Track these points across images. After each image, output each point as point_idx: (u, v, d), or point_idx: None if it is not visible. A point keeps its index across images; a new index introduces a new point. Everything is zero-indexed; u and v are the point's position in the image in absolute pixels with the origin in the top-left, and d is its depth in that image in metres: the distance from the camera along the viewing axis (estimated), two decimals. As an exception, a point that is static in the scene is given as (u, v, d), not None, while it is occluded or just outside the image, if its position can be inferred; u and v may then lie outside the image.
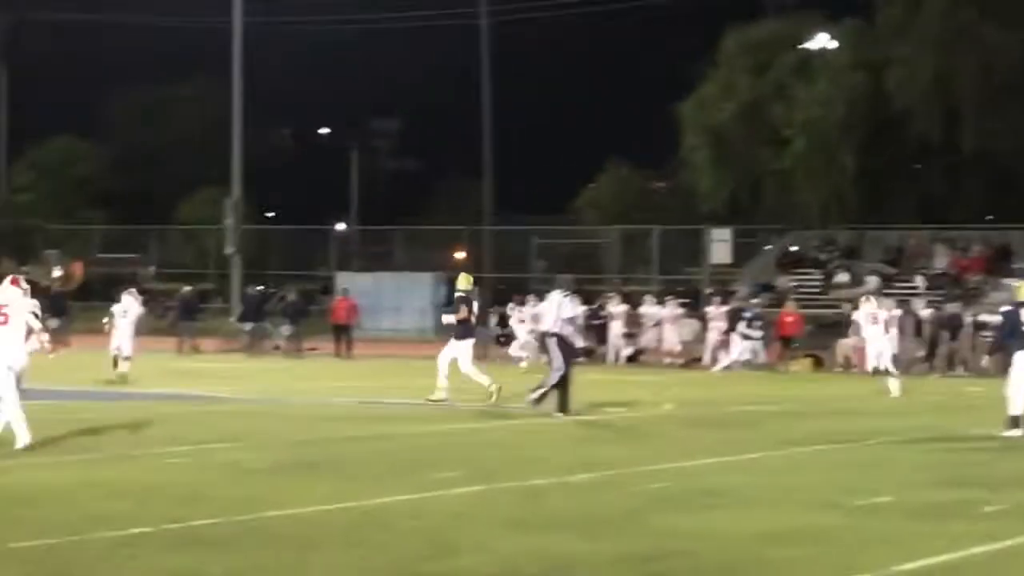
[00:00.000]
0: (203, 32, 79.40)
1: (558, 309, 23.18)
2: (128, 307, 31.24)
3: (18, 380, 17.15)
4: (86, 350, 45.08)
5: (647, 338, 43.31)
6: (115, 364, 30.83)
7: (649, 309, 43.99)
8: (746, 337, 39.92)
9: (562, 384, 22.70)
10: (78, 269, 78.13)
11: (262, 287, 49.37)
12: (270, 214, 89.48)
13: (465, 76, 76.71)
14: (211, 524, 11.43)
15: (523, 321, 41.19)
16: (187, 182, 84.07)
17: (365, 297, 50.34)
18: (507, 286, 65.23)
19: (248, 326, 45.61)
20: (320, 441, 18.12)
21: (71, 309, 50.29)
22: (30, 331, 17.95)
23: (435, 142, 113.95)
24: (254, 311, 46.02)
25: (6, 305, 17.85)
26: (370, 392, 27.72)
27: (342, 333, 44.91)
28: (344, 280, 55.39)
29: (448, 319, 25.63)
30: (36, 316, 18.15)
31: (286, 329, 45.01)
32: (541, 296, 30.41)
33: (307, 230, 73.78)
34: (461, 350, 25.00)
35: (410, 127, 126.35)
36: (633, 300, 46.14)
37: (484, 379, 24.83)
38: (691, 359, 41.82)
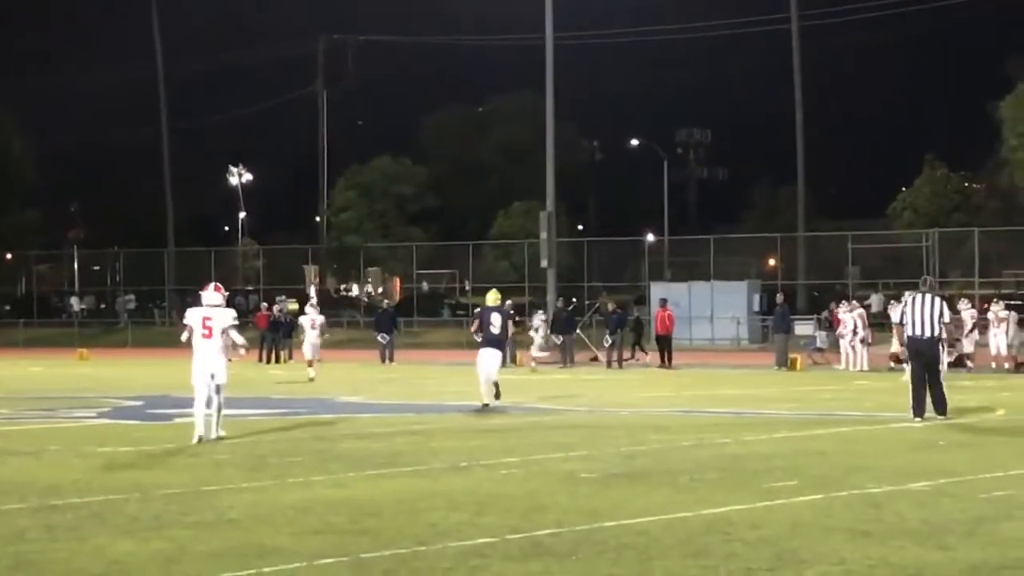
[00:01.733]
0: (513, 49, 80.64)
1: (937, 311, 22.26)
2: (313, 318, 33.15)
3: (219, 388, 19.58)
4: (408, 364, 46.34)
5: (968, 342, 42.17)
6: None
7: (967, 312, 42.85)
8: None
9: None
10: (397, 286, 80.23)
11: (573, 300, 49.83)
12: (580, 227, 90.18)
13: (775, 82, 76.20)
14: (552, 534, 11.52)
15: (536, 329, 44.30)
16: (501, 197, 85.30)
17: (678, 307, 50.32)
18: (821, 292, 64.48)
19: (559, 339, 46.06)
20: (650, 451, 18.16)
21: (398, 325, 51.52)
22: (232, 343, 19.95)
23: (745, 150, 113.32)
24: (564, 324, 46.51)
25: (210, 318, 19.65)
26: (690, 402, 27.71)
27: (663, 344, 44.93)
28: (659, 290, 55.42)
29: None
30: (235, 327, 19.99)
31: (607, 340, 45.31)
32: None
33: (619, 241, 74.06)
34: None
35: (720, 135, 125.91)
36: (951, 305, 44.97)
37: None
38: (1020, 364, 40.57)
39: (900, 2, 73.74)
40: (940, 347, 22.81)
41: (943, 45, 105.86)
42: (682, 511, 12.66)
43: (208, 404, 19.49)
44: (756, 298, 59.44)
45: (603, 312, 46.53)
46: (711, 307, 58.82)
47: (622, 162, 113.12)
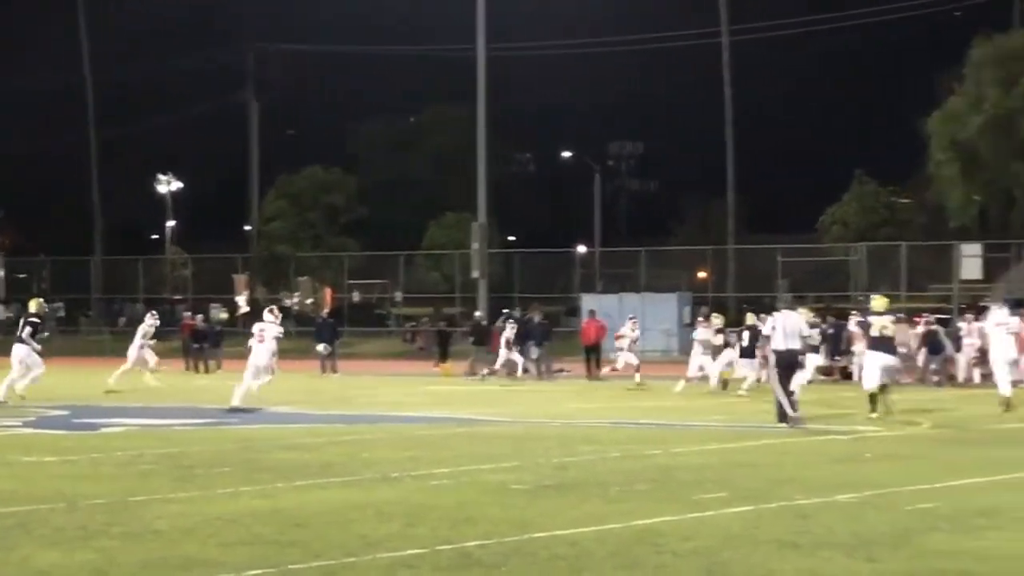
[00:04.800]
0: (446, 61, 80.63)
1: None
2: (266, 327, 31.13)
3: (260, 372, 28.22)
4: (340, 375, 46.16)
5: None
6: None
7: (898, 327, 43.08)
8: None
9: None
10: (328, 295, 79.93)
11: (507, 312, 49.68)
12: (511, 237, 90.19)
13: (707, 96, 76.53)
14: (481, 545, 11.52)
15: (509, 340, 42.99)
16: (433, 208, 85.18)
17: (609, 319, 50.35)
18: (750, 305, 64.80)
19: (536, 351, 45.84)
20: (580, 463, 18.17)
21: (338, 336, 51.39)
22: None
23: (677, 163, 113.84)
24: (540, 334, 46.20)
25: (263, 330, 28.40)
26: (620, 413, 27.76)
27: (591, 354, 45.04)
28: (589, 302, 55.50)
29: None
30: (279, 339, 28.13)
31: (534, 351, 45.20)
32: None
33: (550, 253, 74.12)
34: None
35: (652, 148, 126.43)
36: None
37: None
38: (947, 376, 40.88)
39: (831, 18, 74.32)
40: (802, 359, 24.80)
41: (873, 61, 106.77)
42: (613, 522, 12.67)
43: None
44: (687, 310, 59.61)
45: (531, 323, 46.44)
46: (642, 319, 58.90)
47: (554, 174, 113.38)
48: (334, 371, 46.82)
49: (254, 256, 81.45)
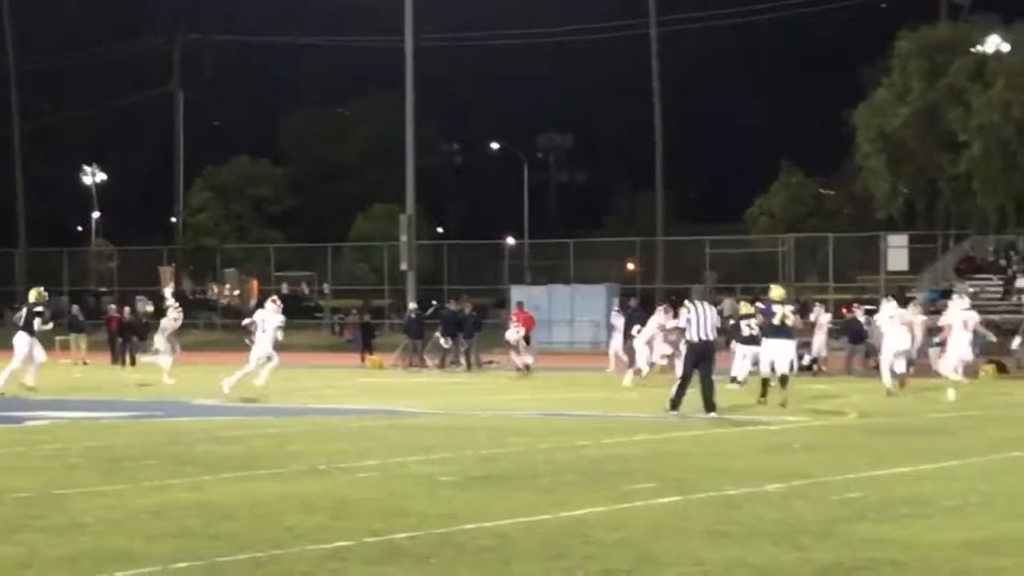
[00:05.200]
0: (375, 52, 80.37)
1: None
2: (266, 317, 30.88)
3: (270, 359, 29.64)
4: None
5: (819, 346, 42.70)
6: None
7: (821, 317, 43.42)
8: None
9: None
10: (255, 287, 79.56)
11: (450, 303, 49.72)
12: (440, 229, 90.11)
13: (635, 88, 76.70)
14: (410, 537, 11.47)
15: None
16: (361, 199, 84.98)
17: (538, 310, 50.45)
18: (679, 296, 65.03)
19: (449, 342, 45.92)
20: (509, 454, 18.16)
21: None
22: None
23: (606, 155, 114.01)
24: (454, 327, 46.26)
25: (264, 320, 29.76)
26: (549, 405, 27.78)
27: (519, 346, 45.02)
28: (518, 293, 55.54)
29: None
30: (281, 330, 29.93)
31: (464, 343, 45.24)
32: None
33: (479, 244, 74.10)
34: None
35: (581, 140, 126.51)
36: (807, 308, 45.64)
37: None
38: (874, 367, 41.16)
39: (759, 10, 74.65)
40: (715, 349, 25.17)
41: (801, 53, 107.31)
42: (541, 513, 12.66)
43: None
44: (616, 301, 59.77)
45: (461, 315, 46.46)
46: (571, 310, 59.09)
47: (483, 166, 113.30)
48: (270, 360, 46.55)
49: (180, 248, 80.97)
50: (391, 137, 77.59)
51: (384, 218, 77.74)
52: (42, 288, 32.60)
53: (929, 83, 58.61)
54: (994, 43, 58.73)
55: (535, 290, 59.79)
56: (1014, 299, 51.01)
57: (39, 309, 31.08)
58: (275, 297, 31.61)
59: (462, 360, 45.35)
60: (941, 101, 58.21)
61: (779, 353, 26.58)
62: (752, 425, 22.62)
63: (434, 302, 50.69)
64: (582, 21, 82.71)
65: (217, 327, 68.92)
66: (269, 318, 29.56)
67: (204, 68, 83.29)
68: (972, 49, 59.31)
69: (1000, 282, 52.81)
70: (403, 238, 54.61)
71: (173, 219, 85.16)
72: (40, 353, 31.18)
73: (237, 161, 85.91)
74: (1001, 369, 39.99)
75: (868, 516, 12.56)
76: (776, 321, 26.63)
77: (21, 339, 30.75)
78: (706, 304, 25.12)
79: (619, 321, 41.08)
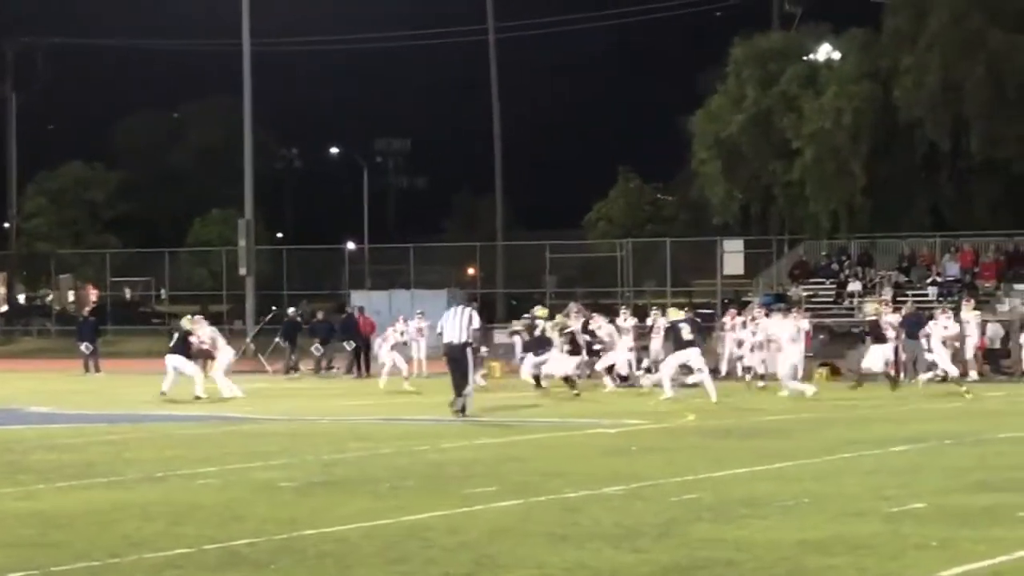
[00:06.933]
0: (212, 56, 79.69)
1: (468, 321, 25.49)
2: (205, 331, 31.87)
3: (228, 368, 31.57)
4: (104, 374, 45.35)
5: (656, 350, 42.92)
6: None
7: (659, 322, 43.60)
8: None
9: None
10: (91, 293, 78.42)
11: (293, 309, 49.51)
12: (280, 234, 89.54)
13: (474, 93, 76.92)
14: (249, 544, 11.40)
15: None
16: (198, 204, 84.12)
17: (379, 315, 50.28)
18: (519, 301, 65.30)
19: (320, 349, 45.69)
20: (350, 459, 18.12)
21: (101, 334, 50.64)
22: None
23: (445, 160, 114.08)
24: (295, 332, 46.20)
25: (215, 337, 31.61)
26: (391, 410, 27.75)
27: (360, 351, 44.93)
28: (359, 298, 55.35)
29: None
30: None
31: (316, 349, 45.27)
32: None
33: (319, 250, 73.73)
34: None
35: (419, 145, 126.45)
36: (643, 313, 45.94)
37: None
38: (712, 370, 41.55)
39: (596, 16, 75.25)
40: (468, 352, 25.63)
41: (638, 59, 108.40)
42: (382, 518, 12.65)
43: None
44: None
45: (311, 321, 46.51)
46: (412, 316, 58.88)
47: (321, 170, 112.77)
48: (97, 370, 46.06)
49: (13, 254, 79.54)
50: (228, 141, 76.98)
51: (222, 223, 77.05)
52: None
53: (763, 90, 59.40)
54: (826, 51, 59.72)
55: (375, 295, 59.55)
56: (846, 303, 51.93)
57: None
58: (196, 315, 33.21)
59: (301, 367, 45.19)
60: (774, 108, 59.02)
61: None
62: (591, 429, 22.78)
63: (292, 309, 50.24)
64: (423, 25, 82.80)
65: (51, 334, 67.81)
66: (206, 330, 31.23)
67: (37, 71, 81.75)
68: (804, 57, 60.22)
69: (833, 286, 53.73)
70: (242, 243, 54.11)
71: (6, 224, 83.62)
72: None
73: (70, 166, 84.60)
74: (835, 372, 40.67)
75: (705, 517, 12.72)
76: (537, 333, 31.57)
77: None
78: (460, 308, 26.08)
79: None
